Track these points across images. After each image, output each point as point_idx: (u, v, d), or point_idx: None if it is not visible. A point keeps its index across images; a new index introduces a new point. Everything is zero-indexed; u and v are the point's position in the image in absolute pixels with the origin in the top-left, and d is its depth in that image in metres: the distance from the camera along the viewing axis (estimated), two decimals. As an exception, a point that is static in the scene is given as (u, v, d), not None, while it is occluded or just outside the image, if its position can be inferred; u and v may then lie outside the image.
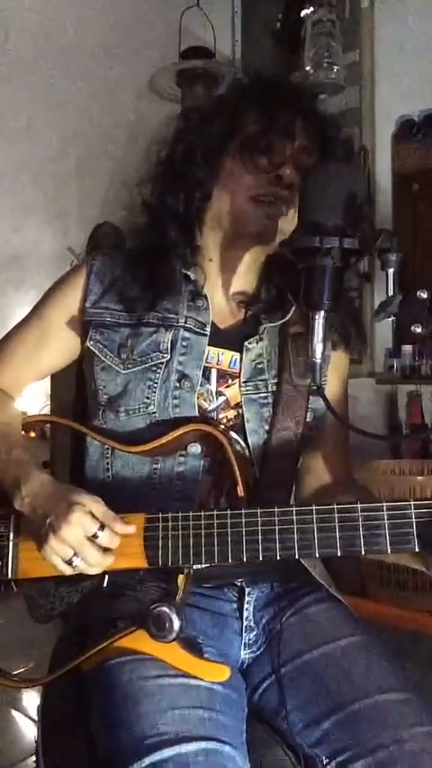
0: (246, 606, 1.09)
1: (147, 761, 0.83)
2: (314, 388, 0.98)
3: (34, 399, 1.30)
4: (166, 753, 0.83)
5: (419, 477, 1.89)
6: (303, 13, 2.47)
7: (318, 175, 0.97)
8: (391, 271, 0.93)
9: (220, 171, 1.12)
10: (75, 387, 1.26)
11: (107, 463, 1.11)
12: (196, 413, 1.09)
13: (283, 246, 0.98)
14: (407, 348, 2.28)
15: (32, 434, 1.23)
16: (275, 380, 1.13)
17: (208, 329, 1.12)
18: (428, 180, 2.33)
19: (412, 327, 0.91)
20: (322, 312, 0.93)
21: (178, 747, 0.83)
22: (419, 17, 2.37)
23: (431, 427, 2.20)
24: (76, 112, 2.67)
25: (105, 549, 0.96)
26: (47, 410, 1.54)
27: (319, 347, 0.94)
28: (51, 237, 2.67)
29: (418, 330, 0.90)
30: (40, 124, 2.59)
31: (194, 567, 0.98)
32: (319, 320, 0.94)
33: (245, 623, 1.09)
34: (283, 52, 2.62)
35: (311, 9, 2.44)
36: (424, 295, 0.90)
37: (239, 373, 1.12)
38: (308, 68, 2.41)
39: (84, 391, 1.19)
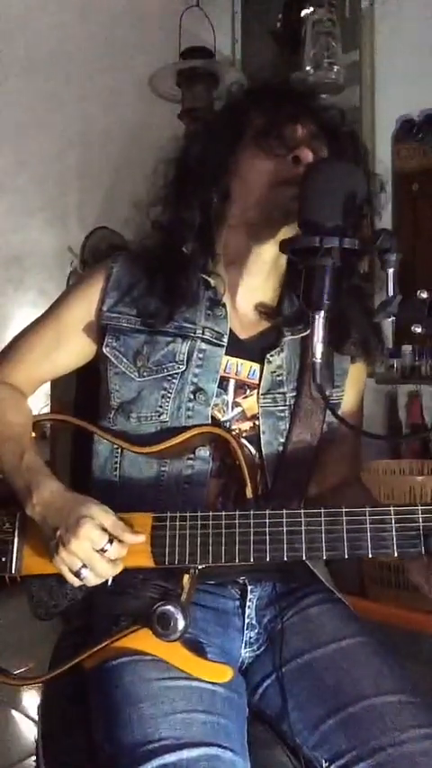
0: (248, 604, 1.09)
1: (148, 766, 0.83)
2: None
3: (34, 399, 1.30)
4: (168, 758, 0.83)
5: (419, 477, 1.89)
6: (303, 13, 2.47)
7: (317, 175, 0.97)
8: (391, 271, 0.93)
9: (235, 168, 1.12)
10: (75, 387, 1.26)
11: (116, 463, 1.11)
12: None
13: (284, 246, 0.98)
14: (407, 348, 2.28)
15: (33, 434, 1.23)
16: (294, 393, 1.12)
17: (225, 339, 1.11)
18: (428, 180, 2.33)
19: (412, 327, 0.91)
20: (322, 312, 0.93)
21: (179, 753, 0.83)
22: (419, 17, 2.37)
23: (431, 427, 2.20)
24: (76, 112, 2.67)
25: (114, 559, 0.96)
26: (47, 410, 1.54)
27: (319, 347, 0.94)
28: (51, 237, 2.66)
29: (418, 330, 0.90)
30: (40, 124, 2.58)
31: (200, 566, 0.98)
32: (319, 320, 0.93)
33: (246, 621, 1.09)
34: (283, 52, 2.62)
35: (311, 9, 2.44)
36: (424, 295, 0.90)
37: (258, 385, 1.12)
38: (308, 68, 2.41)
39: (85, 391, 1.19)
